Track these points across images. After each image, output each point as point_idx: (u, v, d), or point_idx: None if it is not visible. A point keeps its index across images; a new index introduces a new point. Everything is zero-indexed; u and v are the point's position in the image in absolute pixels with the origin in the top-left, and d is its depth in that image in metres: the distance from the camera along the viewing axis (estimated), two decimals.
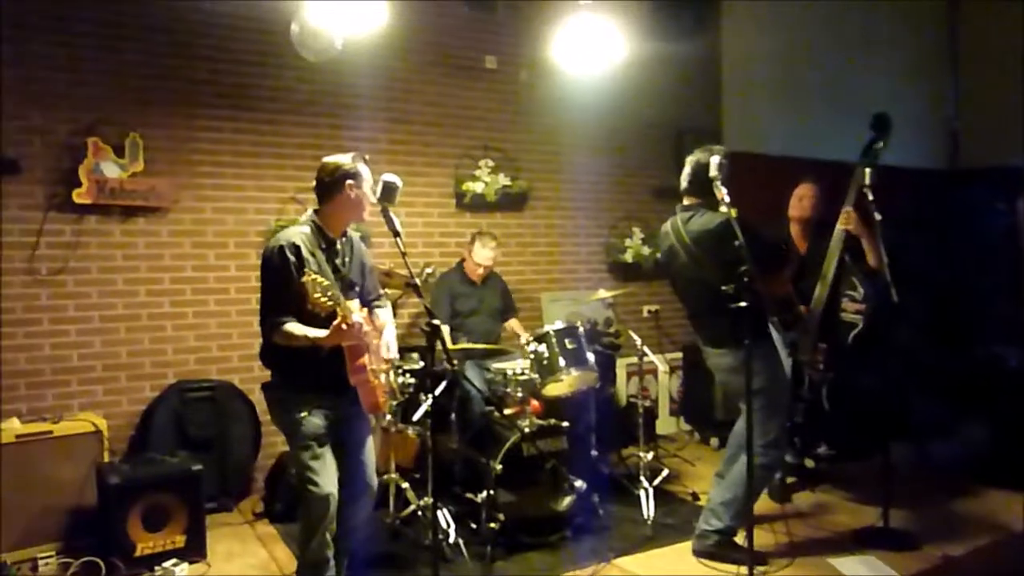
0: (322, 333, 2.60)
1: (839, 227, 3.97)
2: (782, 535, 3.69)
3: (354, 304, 2.79)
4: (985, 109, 7.51)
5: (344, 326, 2.54)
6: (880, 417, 3.96)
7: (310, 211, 2.85)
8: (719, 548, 3.44)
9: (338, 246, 2.84)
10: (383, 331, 3.00)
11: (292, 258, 2.65)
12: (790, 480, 4.39)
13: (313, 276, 2.45)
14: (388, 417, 3.79)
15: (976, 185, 7.63)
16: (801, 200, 4.32)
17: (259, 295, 2.76)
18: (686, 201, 3.54)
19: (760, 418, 3.28)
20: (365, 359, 2.75)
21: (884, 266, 3.66)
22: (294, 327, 2.64)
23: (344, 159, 2.79)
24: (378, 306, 3.09)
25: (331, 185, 2.77)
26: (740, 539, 3.40)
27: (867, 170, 3.74)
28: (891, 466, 3.68)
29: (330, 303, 2.49)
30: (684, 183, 3.52)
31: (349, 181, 2.75)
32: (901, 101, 6.98)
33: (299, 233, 2.74)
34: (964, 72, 7.82)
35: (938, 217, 7.59)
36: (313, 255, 2.71)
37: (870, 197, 3.69)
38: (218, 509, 4.15)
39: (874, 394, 4.15)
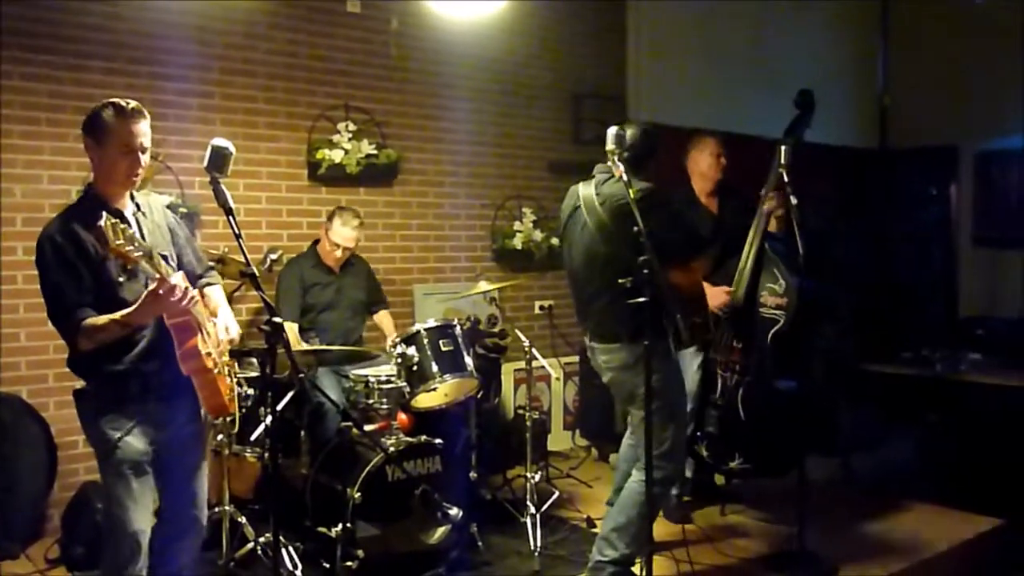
0: (134, 307, 2.52)
1: (762, 209, 4.18)
2: (685, 562, 3.85)
3: (176, 275, 2.72)
4: (917, 83, 8.03)
5: (161, 291, 2.46)
6: (798, 427, 4.19)
7: None
8: None
9: (127, 216, 2.74)
10: (217, 312, 2.94)
11: (68, 245, 2.56)
12: (687, 499, 4.58)
13: (112, 220, 2.34)
14: (220, 437, 3.71)
15: (907, 166, 8.17)
16: (719, 158, 4.42)
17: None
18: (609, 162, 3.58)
19: (654, 425, 3.42)
20: (198, 341, 2.67)
21: (799, 255, 3.87)
22: (96, 319, 2.55)
23: (94, 107, 2.69)
24: (208, 283, 3.03)
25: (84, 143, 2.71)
26: (639, 568, 3.53)
27: (783, 148, 3.94)
28: (807, 482, 3.91)
29: (139, 254, 2.39)
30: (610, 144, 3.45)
31: (87, 138, 2.68)
32: (827, 72, 7.40)
33: (69, 212, 2.66)
34: (894, 42, 8.35)
35: (865, 201, 8.10)
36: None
37: (786, 178, 3.90)
38: (0, 556, 3.96)
39: (794, 401, 4.38)
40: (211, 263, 3.19)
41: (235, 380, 3.01)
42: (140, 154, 2.67)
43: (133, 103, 2.67)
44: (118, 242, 2.33)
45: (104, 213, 2.36)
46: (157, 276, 2.50)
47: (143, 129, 2.67)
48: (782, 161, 3.95)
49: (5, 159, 4.24)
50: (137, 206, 2.81)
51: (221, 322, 2.91)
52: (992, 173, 7.73)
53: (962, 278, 7.99)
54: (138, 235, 2.70)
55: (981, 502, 4.58)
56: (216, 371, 2.76)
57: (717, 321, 4.31)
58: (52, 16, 4.33)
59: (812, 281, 3.98)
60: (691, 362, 4.36)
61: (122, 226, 2.35)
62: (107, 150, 2.65)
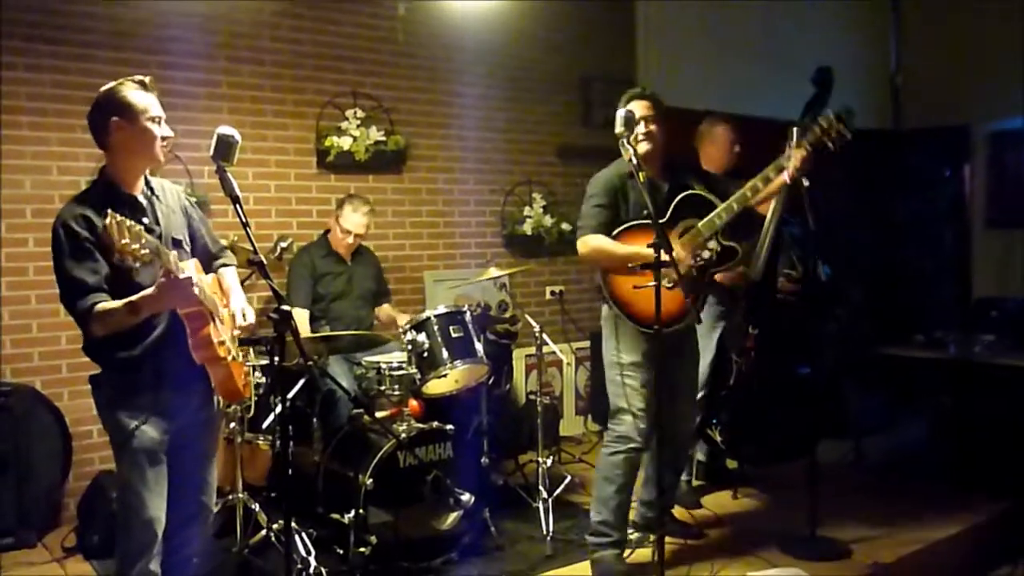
0: (147, 292, 2.51)
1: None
2: (697, 546, 3.86)
3: (189, 264, 2.72)
4: (930, 63, 7.93)
5: (168, 282, 2.46)
6: (811, 412, 4.18)
7: None
8: (616, 566, 3.56)
9: (141, 201, 2.73)
10: (230, 295, 2.93)
11: (82, 231, 2.55)
12: (697, 483, 4.58)
13: (118, 218, 2.29)
14: (232, 425, 3.73)
15: (920, 147, 8.09)
16: (732, 144, 4.38)
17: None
18: None
19: (609, 395, 3.53)
20: (211, 330, 2.67)
21: (813, 239, 3.85)
22: (108, 303, 2.53)
23: (108, 89, 2.68)
24: (224, 264, 3.02)
25: (98, 128, 2.67)
26: (650, 552, 3.54)
27: (795, 129, 3.91)
28: (819, 467, 3.90)
29: (146, 252, 2.35)
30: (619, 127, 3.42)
31: (114, 119, 2.64)
32: (839, 53, 7.29)
33: (83, 197, 2.65)
34: (906, 22, 8.25)
35: (877, 182, 8.03)
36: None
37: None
38: (16, 546, 4.00)
39: (808, 386, 4.37)
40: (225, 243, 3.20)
41: (248, 366, 3.01)
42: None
43: (146, 77, 2.71)
44: (124, 241, 2.29)
45: (109, 211, 2.31)
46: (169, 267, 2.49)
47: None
48: (793, 142, 3.91)
49: (13, 151, 4.25)
50: (151, 190, 2.79)
51: (236, 307, 2.90)
52: (1005, 153, 7.65)
53: (975, 259, 7.91)
54: (152, 220, 2.72)
55: (993, 484, 4.57)
56: (231, 357, 2.77)
57: (735, 305, 4.29)
58: (57, 6, 4.33)
59: (828, 265, 3.96)
60: (704, 346, 4.34)
61: (128, 223, 2.31)
62: (140, 124, 2.64)
